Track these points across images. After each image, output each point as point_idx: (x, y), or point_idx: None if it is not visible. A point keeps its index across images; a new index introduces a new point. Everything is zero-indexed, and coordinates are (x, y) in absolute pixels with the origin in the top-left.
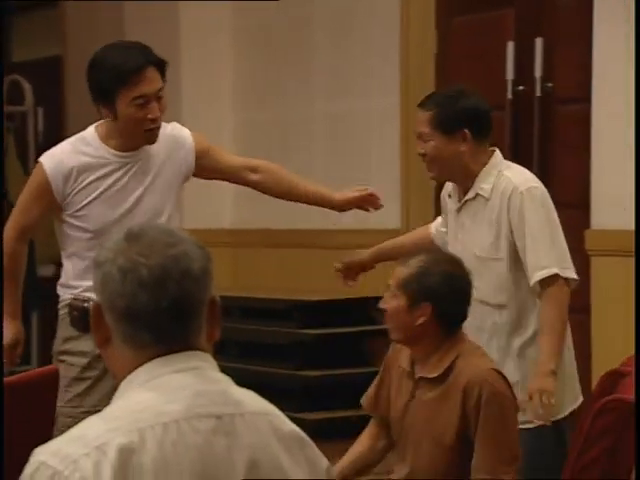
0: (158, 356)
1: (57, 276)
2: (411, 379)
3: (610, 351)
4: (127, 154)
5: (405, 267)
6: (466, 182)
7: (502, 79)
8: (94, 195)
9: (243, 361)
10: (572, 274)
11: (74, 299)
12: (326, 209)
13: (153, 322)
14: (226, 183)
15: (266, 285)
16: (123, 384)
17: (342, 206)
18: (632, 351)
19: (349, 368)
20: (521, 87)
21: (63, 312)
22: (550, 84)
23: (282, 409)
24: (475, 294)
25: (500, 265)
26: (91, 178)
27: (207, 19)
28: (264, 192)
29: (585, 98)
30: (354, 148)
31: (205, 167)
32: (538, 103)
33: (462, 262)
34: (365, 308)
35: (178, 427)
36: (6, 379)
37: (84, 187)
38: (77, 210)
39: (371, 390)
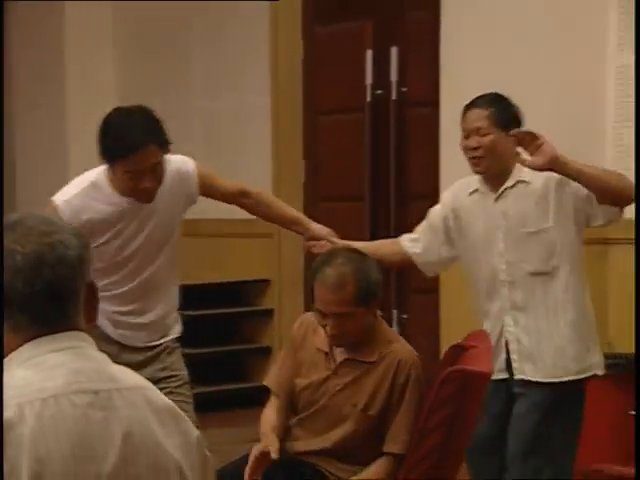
0: (37, 337)
1: None
2: (330, 360)
3: (456, 328)
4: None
5: (340, 290)
6: (505, 175)
7: (362, 84)
8: (107, 236)
9: None
10: None
11: None
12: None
13: (29, 305)
14: None
15: None
16: (5, 363)
17: (315, 237)
18: (475, 328)
19: (223, 346)
20: (379, 91)
21: None
22: (404, 88)
23: None
24: (526, 268)
25: (549, 234)
26: (105, 223)
27: (89, 19)
28: (253, 214)
29: (434, 101)
30: (230, 142)
31: (205, 193)
32: (394, 105)
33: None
34: (237, 291)
35: (56, 402)
36: None
37: (98, 230)
38: (93, 246)
39: (274, 372)
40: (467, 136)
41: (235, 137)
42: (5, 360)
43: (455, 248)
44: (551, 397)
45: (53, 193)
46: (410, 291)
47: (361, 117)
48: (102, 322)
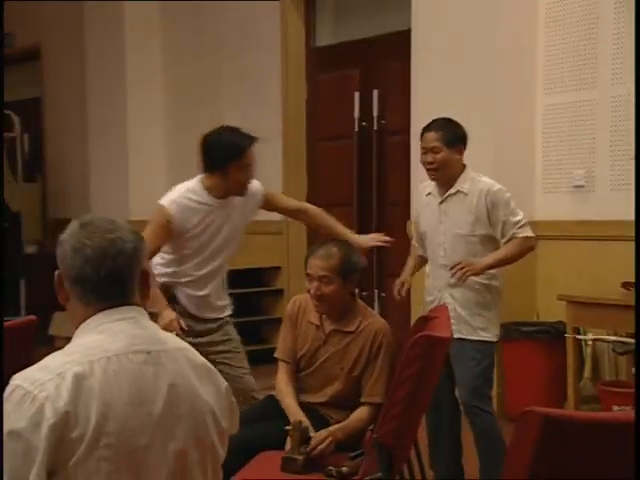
0: (103, 310)
1: (39, 253)
2: (321, 331)
3: (422, 303)
4: (222, 200)
5: (326, 259)
6: (450, 182)
7: (351, 117)
8: (201, 227)
9: None
10: (529, 233)
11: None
12: None
13: (97, 286)
14: (161, 186)
15: None
16: (79, 329)
17: (363, 247)
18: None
19: (246, 317)
20: (364, 123)
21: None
22: (384, 121)
23: None
24: (455, 258)
25: (475, 240)
26: (199, 217)
27: (146, 72)
28: (310, 227)
29: (406, 130)
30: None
31: (269, 207)
32: (375, 134)
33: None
34: (256, 275)
35: (118, 359)
36: None
37: (192, 223)
38: (188, 236)
39: (280, 344)
40: (425, 153)
41: (259, 154)
42: (79, 328)
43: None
44: (482, 349)
45: (118, 198)
46: (387, 275)
47: (350, 143)
48: (185, 302)
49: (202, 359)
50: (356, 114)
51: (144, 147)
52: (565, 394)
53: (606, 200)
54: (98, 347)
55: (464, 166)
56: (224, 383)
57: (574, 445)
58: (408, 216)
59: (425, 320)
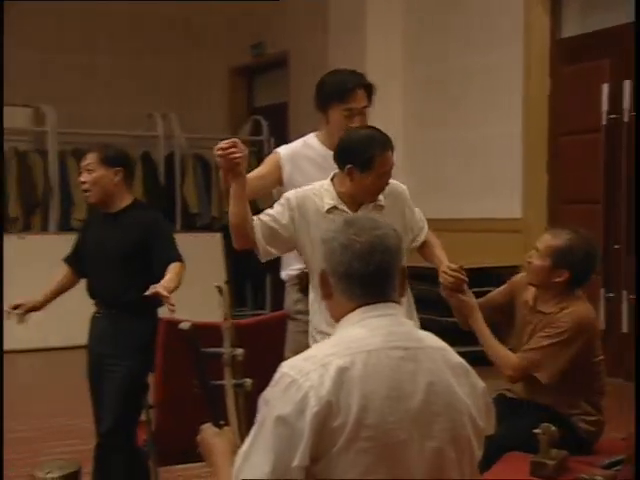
0: (365, 305)
1: None
2: (532, 312)
3: None
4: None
5: (555, 238)
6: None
7: (598, 110)
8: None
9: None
10: None
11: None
12: None
13: (363, 281)
14: None
15: None
16: (341, 323)
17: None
18: None
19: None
20: (613, 116)
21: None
22: (635, 113)
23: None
24: None
25: None
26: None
27: (386, 78)
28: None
29: None
30: (484, 161)
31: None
32: (626, 127)
33: (596, 241)
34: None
35: (377, 354)
36: (245, 321)
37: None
38: None
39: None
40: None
41: (486, 157)
42: (341, 321)
43: None
44: None
45: None
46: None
47: (597, 137)
48: None
49: (459, 358)
50: (604, 107)
51: None
52: None
53: None
54: (359, 341)
55: None
56: (480, 383)
57: None
58: None
59: None
